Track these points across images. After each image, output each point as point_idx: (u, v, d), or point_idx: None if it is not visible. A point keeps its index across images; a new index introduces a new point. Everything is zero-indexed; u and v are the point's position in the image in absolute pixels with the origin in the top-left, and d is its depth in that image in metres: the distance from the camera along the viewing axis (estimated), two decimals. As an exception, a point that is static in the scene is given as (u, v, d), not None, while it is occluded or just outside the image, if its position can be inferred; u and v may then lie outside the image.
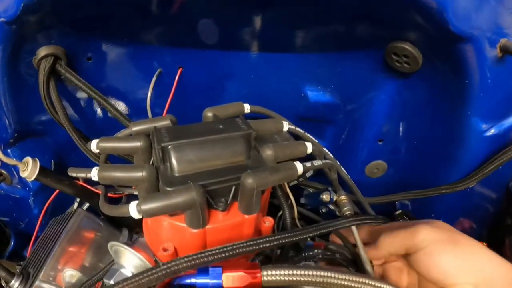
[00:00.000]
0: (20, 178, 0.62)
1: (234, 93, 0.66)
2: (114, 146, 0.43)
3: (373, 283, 0.34)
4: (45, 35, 0.52)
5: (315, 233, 0.42)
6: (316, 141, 0.57)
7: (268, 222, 0.43)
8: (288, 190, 0.51)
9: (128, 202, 0.37)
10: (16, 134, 0.58)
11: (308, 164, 0.49)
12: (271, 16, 0.54)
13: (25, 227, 0.70)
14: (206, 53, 0.61)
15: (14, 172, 0.62)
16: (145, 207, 0.34)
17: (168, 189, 0.36)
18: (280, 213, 0.57)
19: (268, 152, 0.42)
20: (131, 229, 0.64)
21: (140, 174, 0.38)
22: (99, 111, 0.65)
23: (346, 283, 0.33)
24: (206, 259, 0.33)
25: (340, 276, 0.34)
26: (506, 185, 0.59)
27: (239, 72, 0.63)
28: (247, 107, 0.52)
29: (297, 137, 0.57)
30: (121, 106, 0.65)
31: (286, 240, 0.39)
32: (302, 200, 0.65)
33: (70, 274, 0.54)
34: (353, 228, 0.47)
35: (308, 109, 0.65)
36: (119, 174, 0.38)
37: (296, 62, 0.61)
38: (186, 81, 0.64)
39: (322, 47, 0.58)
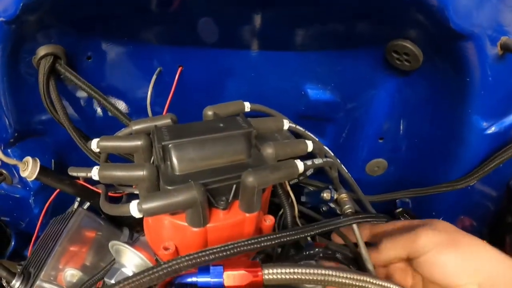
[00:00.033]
0: (21, 178, 0.62)
1: (234, 92, 0.66)
2: (114, 145, 0.43)
3: (375, 281, 0.34)
4: (44, 34, 0.51)
5: (316, 232, 0.41)
6: (317, 139, 0.57)
7: (269, 221, 0.43)
8: (288, 188, 0.52)
9: (128, 201, 0.36)
10: (16, 134, 0.57)
11: (309, 163, 0.49)
12: (271, 15, 0.54)
13: (26, 226, 0.70)
14: (206, 52, 0.61)
15: (15, 172, 0.62)
16: (145, 206, 0.34)
17: (169, 188, 0.36)
18: (281, 212, 0.57)
19: (268, 151, 0.42)
20: (132, 228, 0.64)
21: (140, 173, 0.37)
22: (99, 110, 0.65)
23: (347, 281, 0.33)
24: (207, 258, 0.33)
25: (342, 274, 0.34)
26: (507, 183, 0.59)
27: (239, 70, 0.63)
28: (247, 106, 0.52)
29: (297, 135, 0.57)
30: (121, 105, 0.65)
31: (287, 238, 0.39)
32: (303, 199, 0.65)
33: (71, 273, 0.54)
34: (354, 226, 0.47)
35: (308, 107, 0.65)
36: (119, 173, 0.38)
37: (296, 60, 0.60)
38: (186, 79, 0.63)
39: (322, 46, 0.58)
